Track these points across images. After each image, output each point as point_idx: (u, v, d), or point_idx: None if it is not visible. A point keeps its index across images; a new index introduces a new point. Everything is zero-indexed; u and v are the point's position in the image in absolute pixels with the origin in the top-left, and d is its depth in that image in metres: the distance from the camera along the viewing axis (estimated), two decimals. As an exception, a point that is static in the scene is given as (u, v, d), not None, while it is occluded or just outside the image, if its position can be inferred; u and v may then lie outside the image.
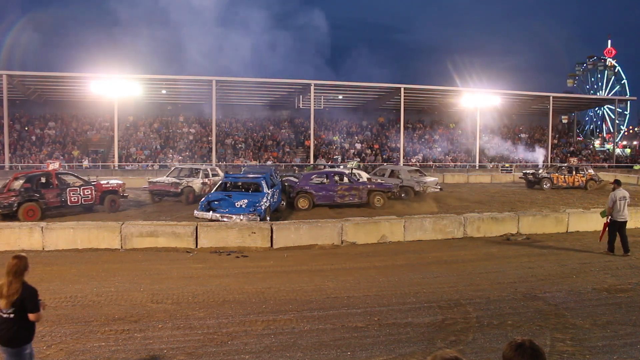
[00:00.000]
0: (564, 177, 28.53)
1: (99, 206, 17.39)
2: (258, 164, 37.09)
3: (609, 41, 77.77)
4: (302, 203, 18.41)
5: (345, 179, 19.59)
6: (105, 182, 18.52)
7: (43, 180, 16.40)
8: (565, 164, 34.05)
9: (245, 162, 37.53)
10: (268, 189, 15.84)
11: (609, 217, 11.43)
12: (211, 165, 29.99)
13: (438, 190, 22.63)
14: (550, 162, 45.86)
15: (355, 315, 6.97)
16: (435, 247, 12.11)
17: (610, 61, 76.35)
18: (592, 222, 14.13)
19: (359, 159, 40.18)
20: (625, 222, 11.45)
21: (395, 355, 5.70)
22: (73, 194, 16.51)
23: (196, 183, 20.45)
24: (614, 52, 77.00)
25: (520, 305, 7.55)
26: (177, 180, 20.04)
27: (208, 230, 11.84)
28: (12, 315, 3.99)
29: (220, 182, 17.00)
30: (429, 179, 23.04)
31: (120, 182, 19.01)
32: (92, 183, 17.45)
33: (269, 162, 39.06)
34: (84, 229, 11.75)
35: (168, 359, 5.52)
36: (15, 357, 4.06)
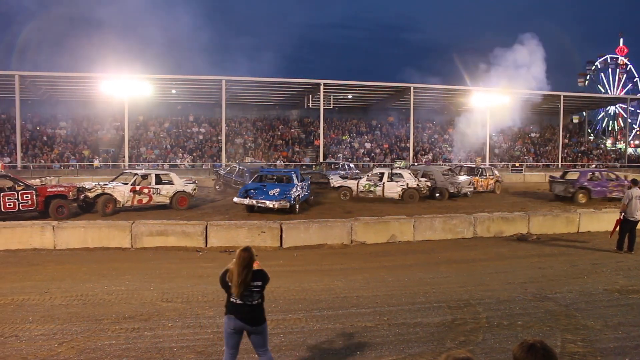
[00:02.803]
0: (482, 182, 24.71)
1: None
2: (252, 160, 36.59)
3: (621, 39, 77.12)
4: (582, 198, 20.76)
5: (613, 176, 22.20)
6: (52, 185, 16.77)
7: None
8: (474, 165, 29.87)
9: (250, 159, 37.29)
10: (298, 182, 18.20)
11: (622, 214, 11.38)
12: (161, 170, 26.04)
13: (471, 189, 22.65)
14: (561, 163, 45.57)
15: (364, 315, 6.96)
16: (445, 247, 12.08)
17: (622, 59, 75.69)
18: (604, 222, 14.02)
19: (405, 159, 40.04)
20: (637, 221, 11.41)
21: (405, 355, 5.68)
22: (8, 199, 14.85)
23: (119, 190, 16.99)
24: (626, 50, 76.32)
25: (530, 305, 7.50)
26: (87, 185, 17.00)
27: (218, 230, 11.89)
28: (259, 301, 4.63)
29: (257, 175, 19.53)
30: (462, 178, 22.95)
31: (72, 184, 17.00)
32: (34, 187, 15.81)
33: (279, 162, 39.13)
34: (94, 227, 11.83)
35: (178, 358, 5.54)
36: (262, 333, 4.70)
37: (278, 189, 17.01)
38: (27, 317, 6.77)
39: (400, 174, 21.39)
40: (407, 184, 20.71)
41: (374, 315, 6.98)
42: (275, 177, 19.07)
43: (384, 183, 20.86)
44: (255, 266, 4.70)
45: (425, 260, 10.74)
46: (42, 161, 35.91)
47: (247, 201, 16.75)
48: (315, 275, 9.22)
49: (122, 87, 34.98)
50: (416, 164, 36.76)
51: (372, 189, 20.93)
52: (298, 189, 17.66)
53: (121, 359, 5.49)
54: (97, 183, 17.46)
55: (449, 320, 6.81)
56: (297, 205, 17.21)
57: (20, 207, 15.20)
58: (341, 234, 12.34)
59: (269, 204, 16.38)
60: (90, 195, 16.60)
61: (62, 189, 16.33)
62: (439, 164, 36.74)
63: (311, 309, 7.24)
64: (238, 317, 4.56)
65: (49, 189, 16.14)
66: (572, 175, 22.41)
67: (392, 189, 20.74)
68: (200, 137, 42.50)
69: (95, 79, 36.09)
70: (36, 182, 18.22)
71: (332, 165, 30.51)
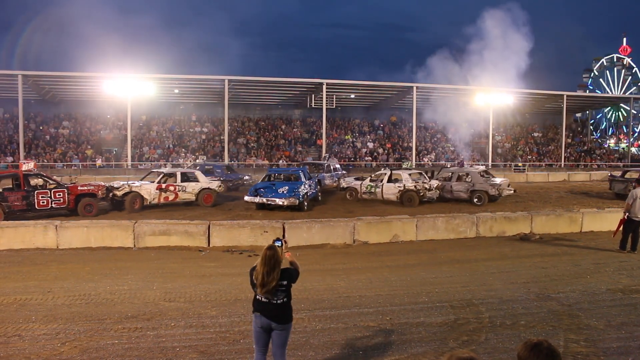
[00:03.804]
0: None
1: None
2: (204, 161, 34.03)
3: (624, 39, 76.90)
4: None
5: None
6: (82, 184, 17.36)
7: (9, 182, 15.75)
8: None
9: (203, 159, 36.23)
10: (305, 180, 18.86)
11: (626, 214, 11.32)
12: (187, 169, 24.70)
13: (512, 192, 21.06)
14: (564, 162, 45.47)
15: (367, 315, 6.96)
16: (447, 247, 12.06)
17: (625, 59, 75.48)
18: (607, 221, 13.98)
19: (409, 160, 39.39)
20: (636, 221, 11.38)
21: (407, 354, 5.67)
22: (42, 197, 15.47)
23: (146, 188, 17.87)
24: (629, 50, 76.11)
25: (533, 305, 7.48)
26: (116, 184, 17.91)
27: (220, 229, 11.90)
28: (285, 300, 4.55)
29: (266, 174, 20.68)
30: (499, 180, 21.34)
31: (100, 184, 17.64)
32: (65, 186, 16.48)
33: (281, 162, 39.14)
34: (97, 227, 11.85)
35: (180, 357, 5.54)
36: (287, 331, 4.63)
37: (287, 187, 17.70)
38: (30, 316, 6.78)
39: (400, 175, 20.56)
40: (404, 186, 19.77)
41: (377, 315, 6.97)
42: (283, 176, 19.87)
43: (383, 184, 20.37)
44: (287, 257, 4.70)
45: (427, 260, 10.73)
46: (45, 161, 35.96)
47: (257, 199, 17.46)
48: (317, 274, 9.21)
49: (125, 86, 35.08)
50: (448, 165, 33.33)
51: (373, 190, 20.61)
52: (306, 186, 18.32)
53: (124, 359, 5.50)
54: (125, 182, 18.37)
55: (451, 319, 6.80)
56: (306, 203, 17.79)
57: (53, 205, 15.78)
58: (344, 234, 12.33)
59: (279, 201, 17.10)
60: (118, 193, 17.40)
61: (92, 187, 16.93)
62: (470, 164, 35.58)
63: (314, 308, 7.23)
64: (264, 314, 4.54)
65: (80, 188, 16.71)
66: (633, 175, 22.69)
67: (390, 191, 20.10)
68: (203, 136, 42.53)
69: (98, 78, 36.16)
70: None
71: (316, 166, 26.69)
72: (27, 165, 17.57)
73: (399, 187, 19.90)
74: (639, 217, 11.26)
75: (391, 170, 21.66)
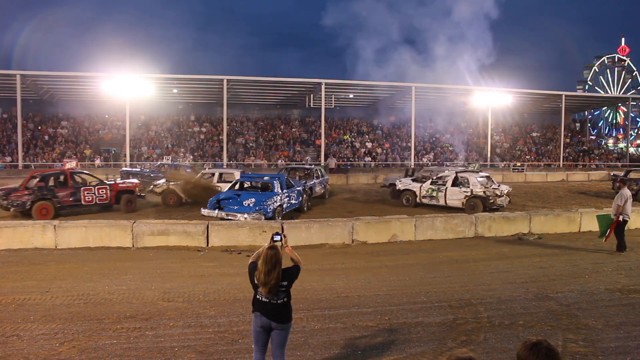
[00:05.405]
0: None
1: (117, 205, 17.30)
2: (171, 162, 31.51)
3: (623, 39, 77.06)
4: None
5: None
6: (121, 181, 18.45)
7: (58, 179, 16.58)
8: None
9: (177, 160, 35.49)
10: (281, 190, 15.73)
11: (620, 216, 11.32)
12: (227, 169, 24.82)
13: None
14: (562, 162, 45.56)
15: (365, 315, 6.96)
16: (446, 247, 12.06)
17: (616, 56, 75.69)
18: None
19: (477, 161, 38.76)
20: (627, 221, 11.47)
21: (406, 354, 5.68)
22: (87, 193, 16.44)
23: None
24: (627, 50, 76.29)
25: (531, 305, 7.49)
26: (156, 183, 19.40)
27: (219, 229, 11.88)
28: (285, 299, 4.55)
29: (234, 181, 17.24)
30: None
31: (137, 181, 18.84)
32: (108, 183, 17.41)
33: (280, 161, 39.14)
34: (96, 227, 11.82)
35: (179, 357, 5.54)
36: (287, 330, 4.62)
37: (253, 199, 14.65)
38: (29, 316, 6.77)
39: (466, 178, 17.97)
40: (472, 191, 17.29)
41: (375, 314, 6.97)
42: (254, 184, 16.90)
43: (446, 188, 17.97)
44: (288, 252, 4.74)
45: (426, 260, 10.72)
46: (44, 160, 35.92)
47: (215, 213, 14.40)
48: (316, 274, 9.20)
49: (124, 86, 35.06)
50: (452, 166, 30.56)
51: (434, 194, 18.27)
52: (278, 198, 15.23)
53: (122, 359, 5.49)
54: (165, 181, 19.45)
55: (450, 319, 6.81)
56: (279, 218, 14.68)
57: (97, 201, 16.81)
58: (342, 234, 12.32)
59: (240, 217, 13.85)
60: (157, 190, 18.74)
61: (130, 184, 18.05)
62: (466, 165, 35.18)
63: (312, 308, 7.23)
64: (264, 314, 4.53)
65: (120, 185, 17.71)
66: (636, 175, 23.48)
67: (455, 196, 17.73)
68: (202, 136, 42.51)
69: (96, 78, 36.13)
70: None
71: (304, 172, 22.48)
72: (71, 164, 18.23)
73: (465, 192, 17.55)
74: (629, 217, 11.37)
75: (456, 172, 18.93)
